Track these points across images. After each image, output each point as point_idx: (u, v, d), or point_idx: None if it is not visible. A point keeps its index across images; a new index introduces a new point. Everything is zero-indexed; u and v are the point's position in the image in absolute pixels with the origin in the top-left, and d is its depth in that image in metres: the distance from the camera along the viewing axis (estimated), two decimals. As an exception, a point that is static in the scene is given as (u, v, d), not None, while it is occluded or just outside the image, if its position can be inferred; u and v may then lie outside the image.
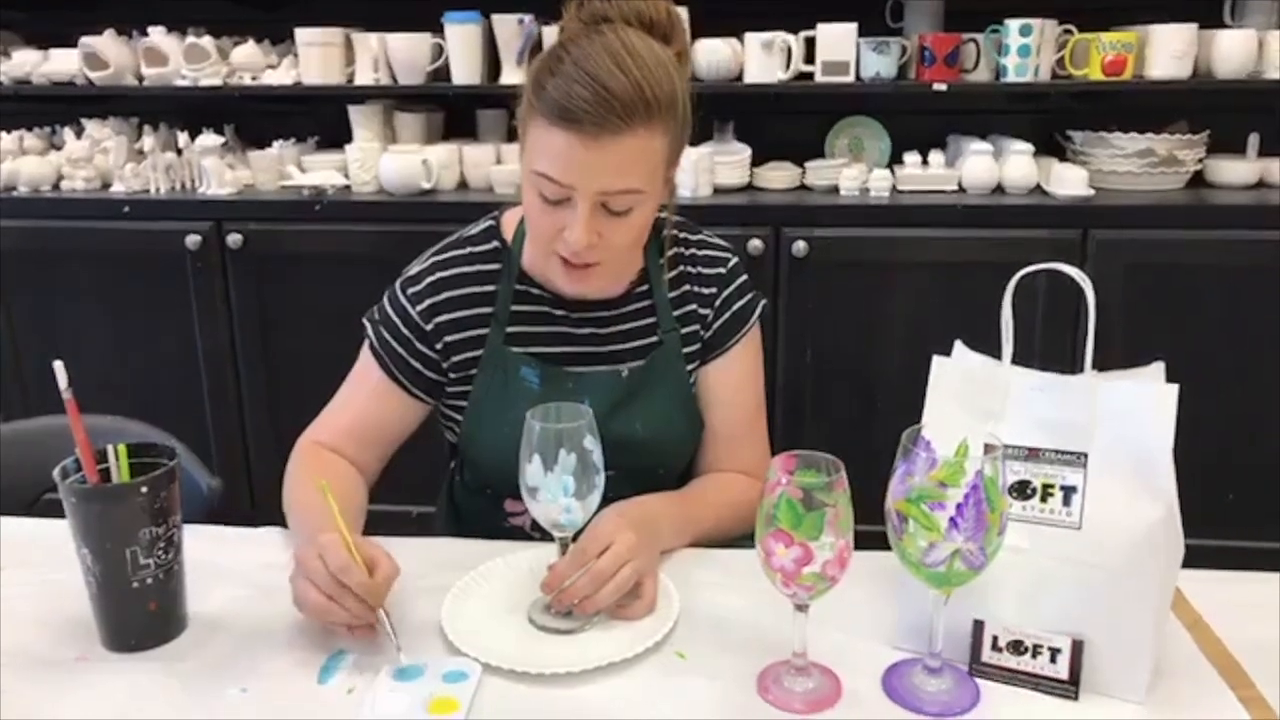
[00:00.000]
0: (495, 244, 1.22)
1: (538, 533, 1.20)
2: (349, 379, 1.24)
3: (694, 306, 1.24)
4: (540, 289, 1.20)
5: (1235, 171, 2.35)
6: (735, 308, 1.25)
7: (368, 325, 1.22)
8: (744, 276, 1.27)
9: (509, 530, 1.26)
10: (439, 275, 1.20)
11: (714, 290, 1.24)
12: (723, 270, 1.26)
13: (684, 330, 1.23)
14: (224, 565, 1.10)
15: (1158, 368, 0.90)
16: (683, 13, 2.43)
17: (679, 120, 1.07)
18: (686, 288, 1.24)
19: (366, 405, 1.21)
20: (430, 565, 1.09)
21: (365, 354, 1.22)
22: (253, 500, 2.47)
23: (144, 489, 0.92)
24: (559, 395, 1.12)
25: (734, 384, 1.26)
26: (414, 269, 1.22)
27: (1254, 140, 2.36)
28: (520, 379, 1.19)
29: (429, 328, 1.19)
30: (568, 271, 1.11)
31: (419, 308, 1.19)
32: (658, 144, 1.05)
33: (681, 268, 1.24)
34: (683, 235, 1.26)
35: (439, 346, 1.20)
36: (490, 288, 1.20)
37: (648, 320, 1.23)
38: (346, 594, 0.91)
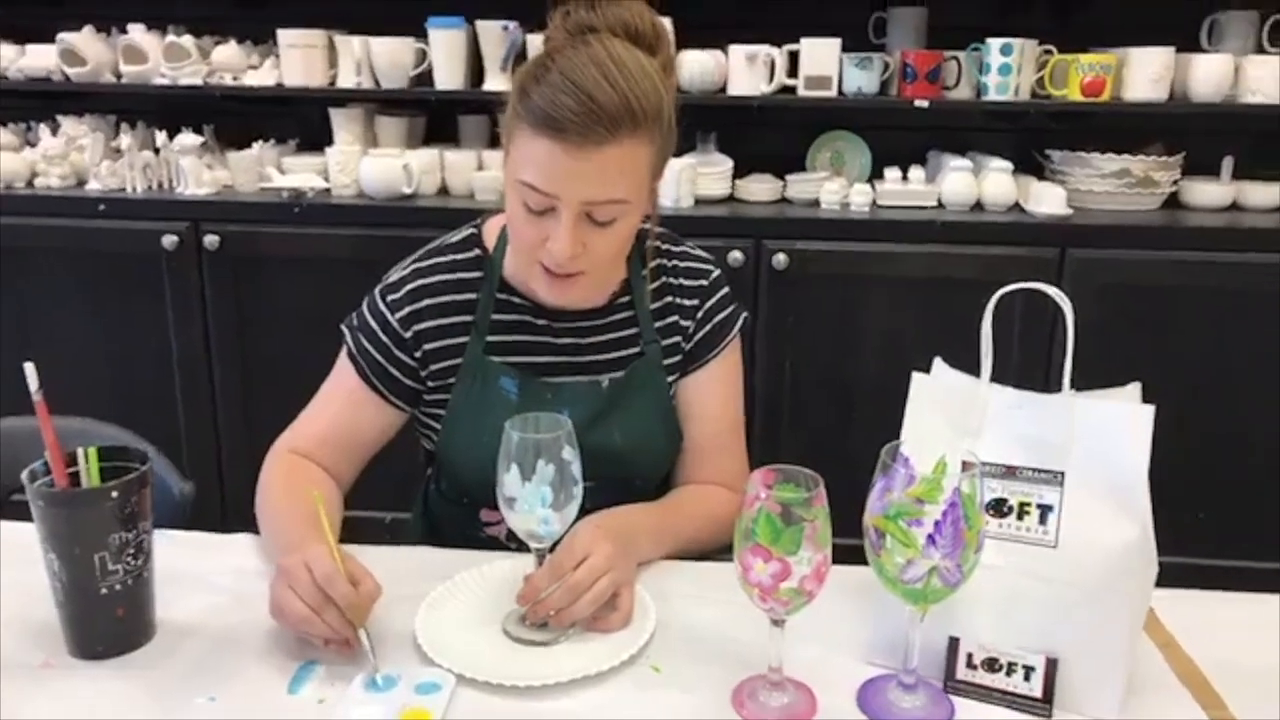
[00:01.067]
0: (476, 252, 1.21)
1: (514, 543, 1.19)
2: (325, 385, 1.23)
3: (675, 318, 1.24)
4: (521, 298, 1.20)
5: (1209, 194, 2.38)
6: (717, 320, 1.25)
7: (346, 332, 1.21)
8: (726, 289, 1.28)
9: (485, 540, 1.25)
10: (419, 283, 1.19)
11: (696, 302, 1.24)
12: (705, 282, 1.26)
13: (665, 342, 1.23)
14: (194, 571, 1.08)
15: (1134, 388, 0.91)
16: (667, 24, 2.43)
17: (664, 131, 1.07)
18: (668, 299, 1.24)
19: (342, 412, 1.20)
20: (404, 574, 1.08)
21: (343, 360, 1.21)
22: (224, 504, 2.44)
23: (114, 493, 0.91)
24: (538, 406, 1.12)
25: (713, 396, 1.26)
26: (394, 276, 1.21)
27: (1228, 163, 2.39)
28: (499, 389, 1.18)
29: (408, 335, 1.18)
30: (550, 281, 1.10)
31: (398, 315, 1.18)
32: (643, 155, 1.05)
33: (664, 279, 1.24)
34: (665, 246, 1.26)
35: (418, 354, 1.19)
36: (470, 296, 1.19)
37: (629, 331, 1.22)
38: (329, 607, 0.90)
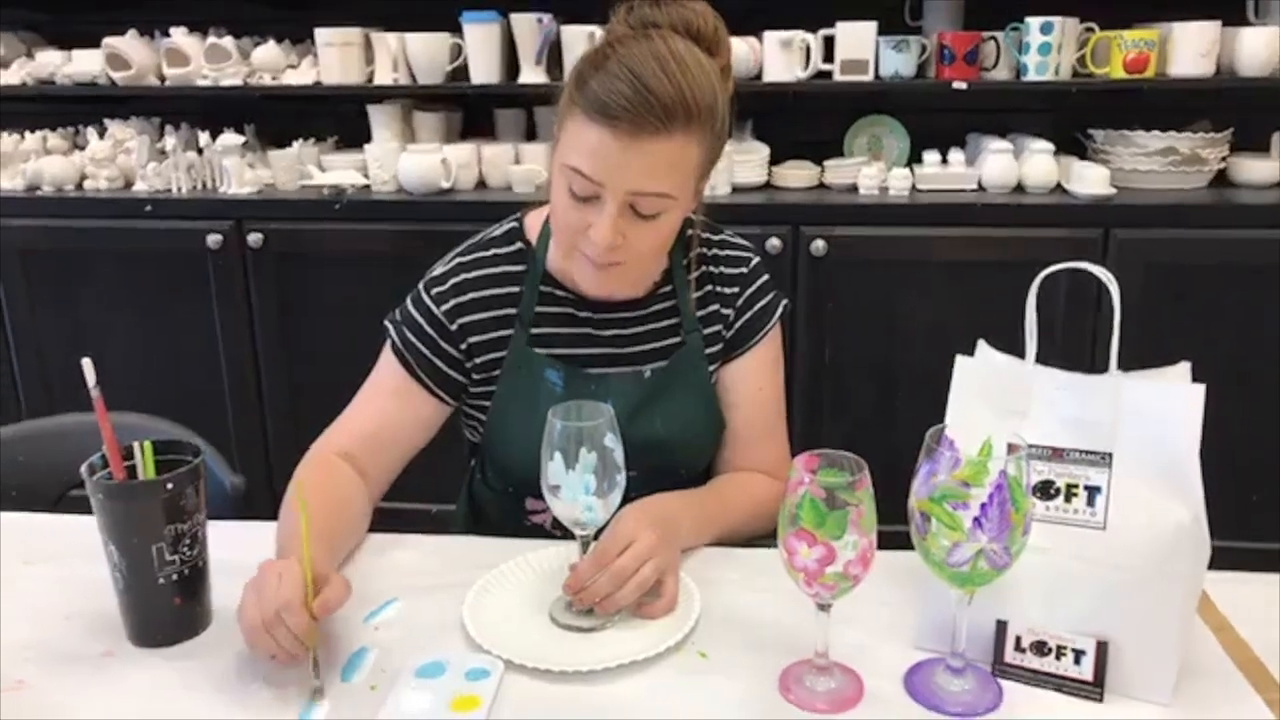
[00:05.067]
0: (519, 245, 1.22)
1: (559, 530, 1.21)
2: (368, 383, 1.23)
3: (716, 306, 1.24)
4: (564, 290, 1.20)
5: (1258, 170, 2.33)
6: (757, 307, 1.25)
7: (390, 327, 1.22)
8: (766, 276, 1.27)
9: (530, 528, 1.26)
10: (463, 276, 1.20)
11: (736, 290, 1.25)
12: (745, 270, 1.26)
13: (706, 331, 1.23)
14: (247, 561, 1.09)
15: (1183, 368, 0.89)
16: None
17: (716, 132, 1.07)
18: (709, 288, 1.24)
19: (387, 407, 1.21)
20: (450, 563, 1.10)
21: (386, 356, 1.22)
22: (273, 497, 2.48)
23: (169, 486, 0.93)
24: (582, 396, 1.12)
25: (755, 383, 1.26)
26: (438, 270, 1.22)
27: (1277, 139, 2.33)
28: (544, 380, 1.19)
29: (454, 328, 1.19)
30: (590, 270, 1.11)
31: (444, 308, 1.19)
32: (693, 151, 1.05)
33: (704, 268, 1.24)
34: (705, 235, 1.26)
35: (463, 347, 1.20)
36: (514, 289, 1.20)
37: (671, 321, 1.23)
38: (280, 626, 0.87)
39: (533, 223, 1.24)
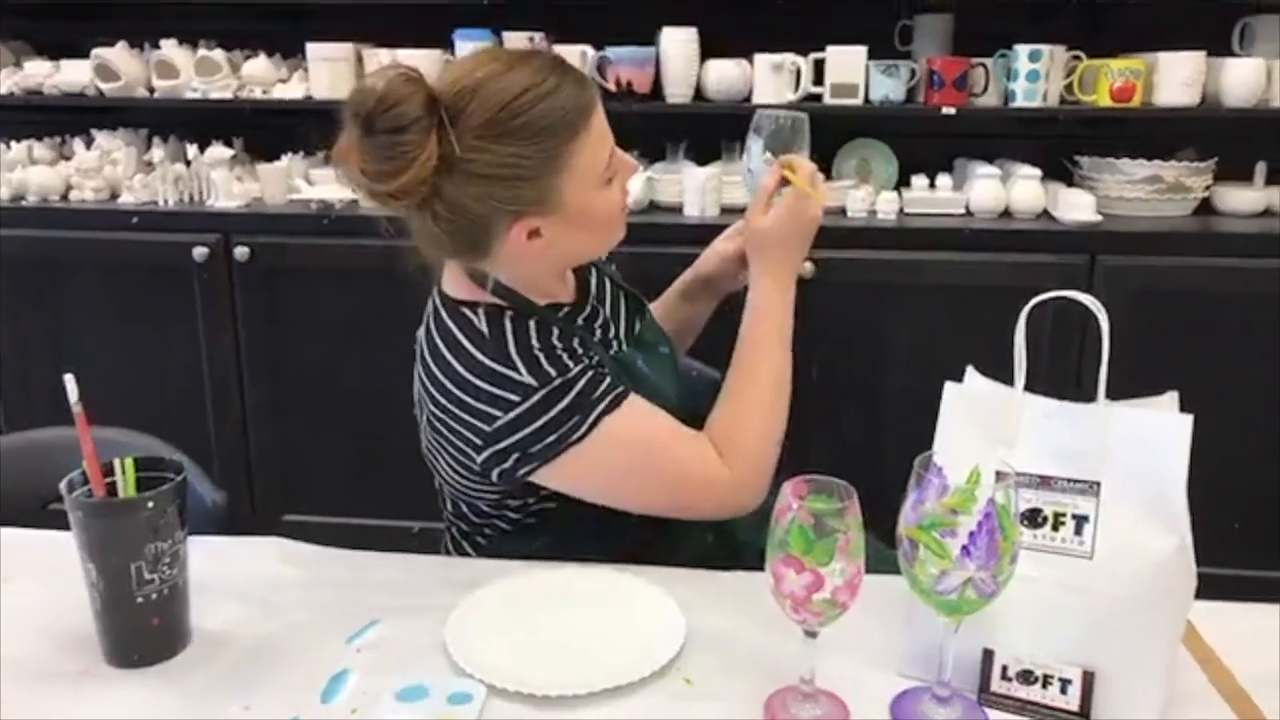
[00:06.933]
0: (509, 311, 1.14)
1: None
2: (659, 443, 1.14)
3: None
4: (562, 304, 1.21)
5: (1242, 199, 2.35)
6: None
7: (599, 410, 1.09)
8: None
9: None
10: (533, 335, 1.12)
11: None
12: None
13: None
14: (228, 580, 1.09)
15: (1171, 397, 0.90)
16: (693, 32, 2.42)
17: None
18: None
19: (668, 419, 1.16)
20: (433, 584, 1.09)
21: (629, 416, 1.11)
22: (254, 513, 2.46)
23: (150, 504, 0.92)
24: (659, 358, 1.26)
25: None
26: (521, 363, 1.09)
27: (1261, 168, 2.36)
28: (640, 370, 1.22)
29: (589, 359, 1.13)
30: (623, 222, 1.20)
31: (577, 355, 1.12)
32: None
33: None
34: None
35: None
36: (550, 336, 1.13)
37: (608, 274, 1.35)
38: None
39: (461, 288, 1.17)
